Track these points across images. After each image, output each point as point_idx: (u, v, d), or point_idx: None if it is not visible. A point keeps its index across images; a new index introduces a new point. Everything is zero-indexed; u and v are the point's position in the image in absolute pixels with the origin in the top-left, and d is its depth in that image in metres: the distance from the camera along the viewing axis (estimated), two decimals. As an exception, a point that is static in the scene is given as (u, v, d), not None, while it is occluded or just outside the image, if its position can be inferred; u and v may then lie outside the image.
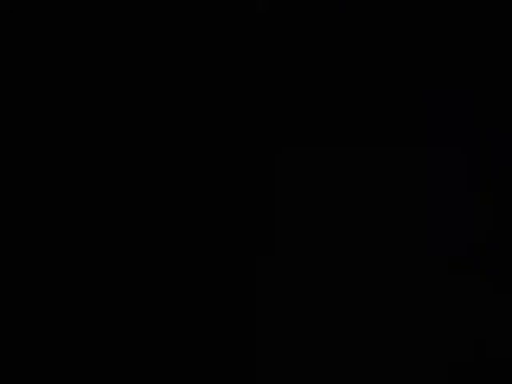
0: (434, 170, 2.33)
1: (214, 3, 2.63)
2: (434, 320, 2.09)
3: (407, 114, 2.43)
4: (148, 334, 2.12)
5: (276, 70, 2.54)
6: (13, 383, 2.01)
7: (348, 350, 2.09)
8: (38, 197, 2.30)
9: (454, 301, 2.11)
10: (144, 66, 2.53)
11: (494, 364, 2.02)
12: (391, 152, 2.37)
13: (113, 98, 2.48)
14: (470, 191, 2.29)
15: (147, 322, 2.13)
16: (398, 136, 2.40)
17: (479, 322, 2.07)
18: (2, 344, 2.06)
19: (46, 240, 2.22)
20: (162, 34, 2.57)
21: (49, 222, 2.26)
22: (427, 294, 2.13)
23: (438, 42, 2.54)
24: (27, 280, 2.17)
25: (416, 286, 2.15)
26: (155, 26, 2.58)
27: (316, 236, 2.24)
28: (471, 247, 2.20)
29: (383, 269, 2.18)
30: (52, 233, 2.24)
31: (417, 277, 2.17)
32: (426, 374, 2.04)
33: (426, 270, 2.17)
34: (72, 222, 2.27)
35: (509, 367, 2.02)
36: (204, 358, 2.09)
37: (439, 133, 2.39)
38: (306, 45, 2.56)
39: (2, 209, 2.27)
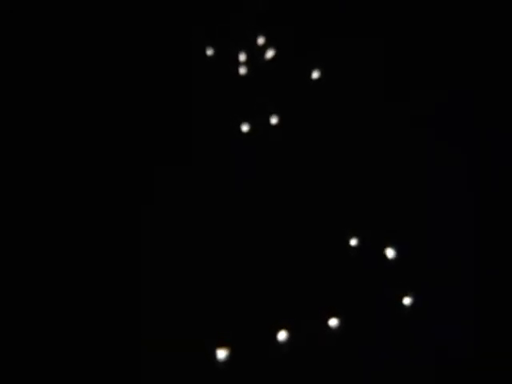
0: (434, 170, 2.33)
1: (213, 2, 2.63)
2: (431, 321, 2.09)
3: (406, 114, 2.43)
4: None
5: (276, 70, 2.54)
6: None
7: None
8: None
9: (453, 301, 2.11)
10: (144, 66, 2.53)
11: (493, 365, 2.02)
12: (391, 152, 2.37)
13: (113, 98, 2.48)
14: (469, 191, 2.29)
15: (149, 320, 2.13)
16: (398, 136, 2.40)
17: (477, 323, 2.07)
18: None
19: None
20: (160, 34, 2.57)
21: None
22: (426, 294, 2.13)
23: (437, 42, 2.54)
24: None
25: (415, 285, 2.15)
26: (154, 26, 2.58)
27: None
28: (471, 247, 2.19)
29: (382, 268, 2.18)
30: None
31: (415, 276, 2.17)
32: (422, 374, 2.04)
33: (425, 269, 2.17)
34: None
35: (507, 368, 2.02)
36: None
37: (439, 133, 2.39)
38: (305, 45, 2.56)
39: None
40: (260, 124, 2.43)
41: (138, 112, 2.45)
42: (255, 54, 2.56)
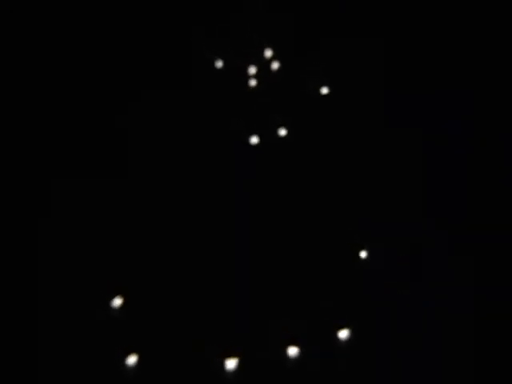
0: (434, 170, 2.33)
1: (213, 2, 2.64)
2: (430, 323, 2.09)
3: (406, 114, 2.44)
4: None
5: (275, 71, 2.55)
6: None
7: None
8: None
9: (451, 305, 2.11)
10: (144, 66, 2.54)
11: (493, 365, 2.02)
12: (391, 152, 2.38)
13: (113, 98, 2.49)
14: (469, 191, 2.29)
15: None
16: (398, 137, 2.40)
17: (477, 324, 2.07)
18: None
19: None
20: (160, 34, 2.58)
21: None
22: (424, 295, 2.13)
23: (437, 42, 2.55)
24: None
25: (414, 285, 2.15)
26: (154, 27, 2.59)
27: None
28: (471, 248, 2.20)
29: (381, 268, 2.18)
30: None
31: (414, 275, 2.17)
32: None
33: (424, 268, 2.17)
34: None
35: (506, 370, 2.02)
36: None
37: (439, 132, 2.39)
38: (305, 45, 2.57)
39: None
40: (258, 122, 2.44)
41: (138, 113, 2.46)
42: (254, 53, 2.56)
